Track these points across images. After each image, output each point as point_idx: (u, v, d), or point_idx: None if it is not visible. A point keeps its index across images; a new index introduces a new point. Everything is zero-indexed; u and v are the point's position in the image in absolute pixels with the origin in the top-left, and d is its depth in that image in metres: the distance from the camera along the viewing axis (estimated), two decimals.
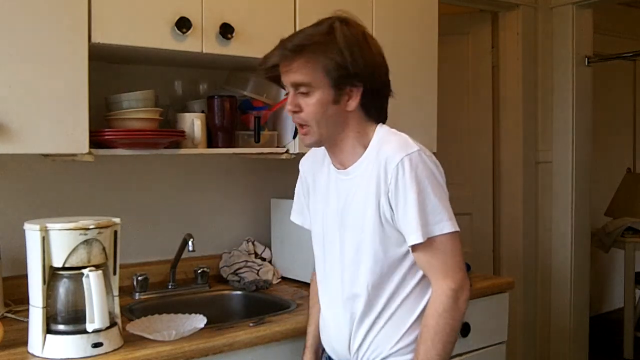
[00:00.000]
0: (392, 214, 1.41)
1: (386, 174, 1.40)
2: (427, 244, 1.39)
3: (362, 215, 1.45)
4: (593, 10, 3.58)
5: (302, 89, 1.41)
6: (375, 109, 1.47)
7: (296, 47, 1.40)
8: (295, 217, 1.74)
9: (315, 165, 1.62)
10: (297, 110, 1.44)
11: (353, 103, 1.42)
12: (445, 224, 1.39)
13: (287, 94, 1.46)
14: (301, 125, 1.46)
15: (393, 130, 1.49)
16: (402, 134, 1.46)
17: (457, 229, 1.41)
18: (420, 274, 1.47)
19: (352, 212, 1.48)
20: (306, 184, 1.67)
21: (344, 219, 1.49)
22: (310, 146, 1.52)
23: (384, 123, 1.51)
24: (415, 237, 1.38)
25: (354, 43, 1.39)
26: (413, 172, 1.37)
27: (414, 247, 1.41)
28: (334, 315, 1.57)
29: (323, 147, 1.54)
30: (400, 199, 1.38)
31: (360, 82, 1.41)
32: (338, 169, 1.52)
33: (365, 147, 1.47)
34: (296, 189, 1.72)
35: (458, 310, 1.39)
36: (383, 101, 1.49)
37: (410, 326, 1.47)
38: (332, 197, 1.53)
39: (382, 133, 1.47)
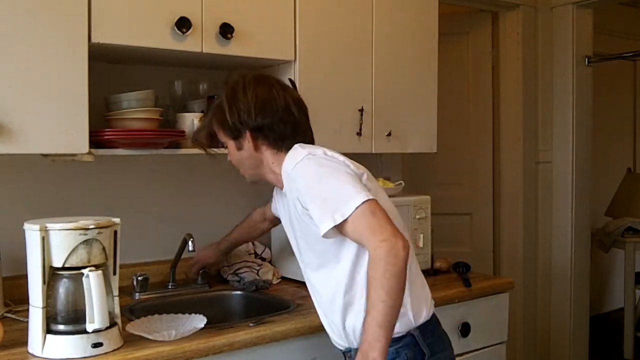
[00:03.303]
0: (309, 213, 1.55)
1: (290, 187, 1.61)
2: (347, 222, 1.46)
3: (295, 223, 1.67)
4: (593, 10, 3.58)
5: (225, 145, 1.77)
6: (279, 140, 1.67)
7: (207, 115, 1.82)
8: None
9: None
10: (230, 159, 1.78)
11: (250, 145, 1.68)
12: (355, 200, 1.46)
13: None
14: None
15: (297, 146, 1.65)
16: (299, 147, 1.63)
17: (369, 197, 1.47)
18: None
19: (291, 223, 1.70)
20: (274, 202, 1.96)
21: (292, 228, 1.71)
22: (250, 182, 1.82)
23: (306, 142, 1.69)
24: (324, 226, 1.47)
25: (230, 100, 1.67)
26: (302, 177, 1.55)
27: (341, 230, 1.48)
28: (319, 312, 1.74)
29: None
30: (307, 200, 1.53)
31: (244, 128, 1.66)
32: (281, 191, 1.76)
33: None
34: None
35: (394, 256, 1.41)
36: (282, 131, 1.66)
37: None
38: (286, 212, 1.75)
39: (287, 155, 1.65)
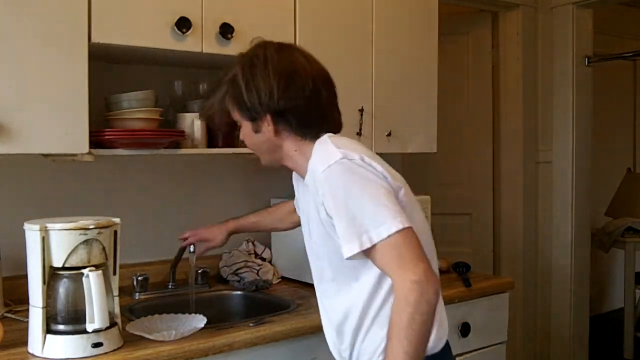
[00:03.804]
0: (333, 221, 1.39)
1: (317, 189, 1.42)
2: (375, 248, 1.32)
3: (314, 227, 1.50)
4: (593, 10, 3.58)
5: (238, 124, 1.56)
6: (303, 127, 1.48)
7: (219, 88, 1.56)
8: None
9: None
10: (244, 140, 1.58)
11: (270, 129, 1.48)
12: (390, 224, 1.31)
13: None
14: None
15: (328, 140, 1.47)
16: (331, 143, 1.44)
17: (405, 225, 1.31)
18: None
19: (309, 225, 1.54)
20: (296, 192, 1.73)
21: (309, 231, 1.55)
22: (266, 167, 1.62)
23: (335, 132, 1.52)
24: (349, 248, 1.33)
25: (248, 76, 1.46)
26: (335, 183, 1.37)
27: (367, 253, 1.34)
28: (323, 324, 1.61)
29: None
30: (333, 211, 1.37)
31: (264, 111, 1.46)
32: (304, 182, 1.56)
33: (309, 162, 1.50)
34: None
35: (425, 304, 1.28)
36: (308, 116, 1.48)
37: None
38: (306, 209, 1.57)
39: (315, 147, 1.48)
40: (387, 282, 1.40)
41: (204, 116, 1.76)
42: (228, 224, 2.06)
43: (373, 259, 1.35)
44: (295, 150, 1.51)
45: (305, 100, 1.46)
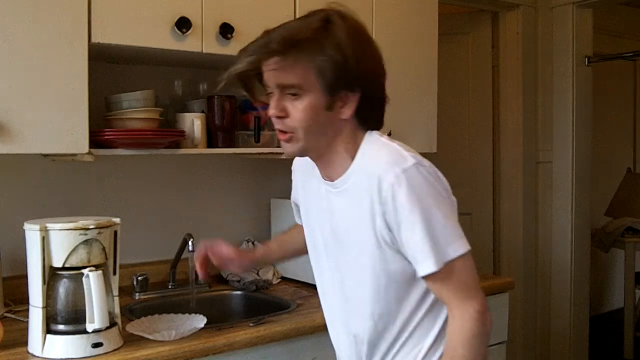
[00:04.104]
0: (392, 237, 1.24)
1: (380, 193, 1.22)
2: (444, 269, 1.21)
3: (358, 237, 1.29)
4: (593, 10, 3.57)
5: (291, 91, 1.22)
6: (372, 118, 1.31)
7: (286, 41, 1.18)
8: (298, 220, 1.62)
9: (306, 171, 1.44)
10: (283, 115, 1.24)
11: (348, 110, 1.25)
12: (458, 245, 1.21)
13: (268, 94, 1.27)
14: (284, 132, 1.26)
15: (383, 139, 1.30)
16: (393, 143, 1.28)
17: (468, 247, 1.23)
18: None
19: (346, 233, 1.32)
20: (297, 189, 1.54)
21: (340, 239, 1.34)
22: (292, 155, 1.33)
23: (379, 128, 1.35)
24: (427, 265, 1.20)
25: (356, 41, 1.21)
26: (412, 191, 1.19)
27: (427, 276, 1.22)
28: (338, 341, 1.47)
29: None
30: (403, 222, 1.21)
31: (359, 88, 1.23)
32: (326, 180, 1.35)
33: (353, 158, 1.29)
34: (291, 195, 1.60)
35: (486, 335, 1.23)
36: (382, 109, 1.32)
37: (427, 352, 1.34)
38: (325, 211, 1.36)
39: (369, 142, 1.29)
40: (425, 305, 1.32)
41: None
42: (255, 253, 1.75)
43: (436, 281, 1.23)
44: (348, 143, 1.28)
45: (383, 87, 1.30)
